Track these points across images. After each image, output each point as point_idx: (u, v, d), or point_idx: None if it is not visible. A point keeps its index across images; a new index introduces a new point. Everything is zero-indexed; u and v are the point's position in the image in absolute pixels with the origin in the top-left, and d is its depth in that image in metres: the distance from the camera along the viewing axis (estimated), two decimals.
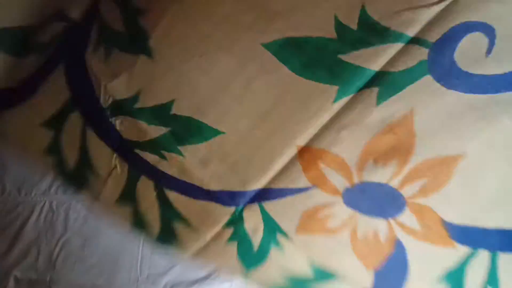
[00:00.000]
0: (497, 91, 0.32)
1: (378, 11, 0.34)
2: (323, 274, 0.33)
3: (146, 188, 0.38)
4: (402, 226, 0.31)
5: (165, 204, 0.37)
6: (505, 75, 0.31)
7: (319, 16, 0.34)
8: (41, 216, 0.82)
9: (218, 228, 0.37)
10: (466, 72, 0.34)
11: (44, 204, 0.83)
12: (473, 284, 0.31)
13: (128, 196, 0.42)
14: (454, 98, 0.32)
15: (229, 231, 0.36)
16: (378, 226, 0.31)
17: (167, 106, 0.35)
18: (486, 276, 0.30)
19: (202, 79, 0.36)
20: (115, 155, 0.40)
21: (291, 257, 0.34)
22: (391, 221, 0.32)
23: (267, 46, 0.36)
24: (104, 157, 0.40)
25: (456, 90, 0.34)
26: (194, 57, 0.38)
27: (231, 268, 0.37)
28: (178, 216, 0.37)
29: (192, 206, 0.36)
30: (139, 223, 0.41)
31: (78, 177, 0.45)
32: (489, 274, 0.30)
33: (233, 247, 0.36)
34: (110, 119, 0.40)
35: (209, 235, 0.37)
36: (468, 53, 0.34)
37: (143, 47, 0.38)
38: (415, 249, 0.31)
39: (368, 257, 0.32)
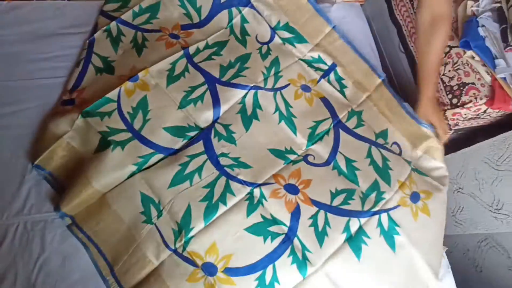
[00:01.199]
0: None
1: None
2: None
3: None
4: (298, 198, 0.88)
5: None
6: None
7: None
8: (15, 238, 0.80)
9: (246, 191, 0.87)
10: None
11: (18, 225, 0.81)
12: (320, 223, 0.86)
13: None
14: None
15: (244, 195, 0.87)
16: (292, 197, 0.88)
17: None
18: (324, 221, 0.86)
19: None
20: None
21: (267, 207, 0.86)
22: (296, 196, 0.88)
23: None
24: None
25: None
26: None
27: None
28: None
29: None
30: None
31: None
32: (325, 219, 0.86)
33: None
34: None
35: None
36: None
37: None
38: (302, 205, 0.87)
39: (289, 208, 0.86)
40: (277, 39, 1.13)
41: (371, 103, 1.08)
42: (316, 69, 1.11)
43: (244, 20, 1.12)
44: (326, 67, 1.11)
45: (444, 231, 1.21)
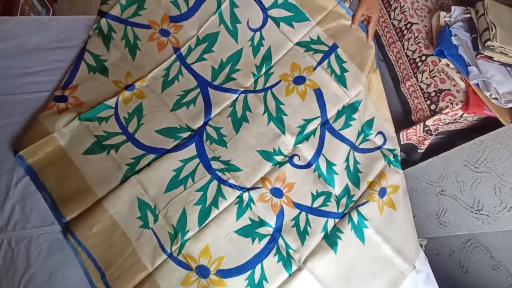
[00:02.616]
0: None
1: None
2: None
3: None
4: (282, 201, 0.93)
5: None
6: None
7: None
8: None
9: (236, 194, 0.92)
10: None
11: (2, 242, 0.79)
12: (302, 223, 0.93)
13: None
14: None
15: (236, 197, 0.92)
16: (278, 200, 0.93)
17: None
18: (305, 222, 0.93)
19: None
20: None
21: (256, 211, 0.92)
22: (281, 199, 0.94)
23: None
24: None
25: None
26: None
27: None
28: None
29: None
30: None
31: None
32: (306, 220, 0.93)
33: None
34: None
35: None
36: None
37: None
38: (286, 208, 0.93)
39: (274, 210, 0.92)
40: (270, 24, 1.07)
41: (365, 90, 1.06)
42: (315, 51, 1.05)
43: (233, 4, 1.08)
44: (326, 48, 1.06)
45: (430, 234, 1.24)
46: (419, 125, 1.16)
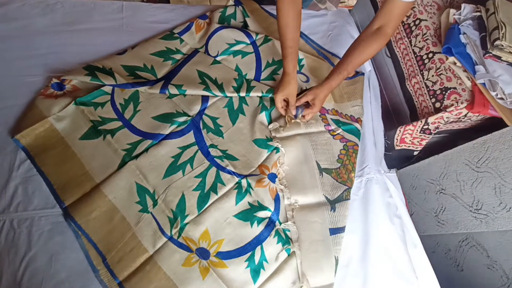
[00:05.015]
0: None
1: None
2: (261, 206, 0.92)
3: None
4: (277, 186, 0.97)
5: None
6: None
7: None
8: (1, 235, 0.78)
9: (234, 181, 0.94)
10: None
11: (4, 223, 0.80)
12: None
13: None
14: None
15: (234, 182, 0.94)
16: (274, 185, 0.96)
17: None
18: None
19: None
20: None
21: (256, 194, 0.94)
22: (274, 184, 0.96)
23: None
24: None
25: None
26: None
27: None
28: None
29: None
30: None
31: None
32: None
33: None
34: None
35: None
36: None
37: None
38: (280, 192, 0.97)
39: (272, 194, 0.94)
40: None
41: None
42: None
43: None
44: None
45: (427, 231, 1.25)
46: (421, 121, 1.16)
